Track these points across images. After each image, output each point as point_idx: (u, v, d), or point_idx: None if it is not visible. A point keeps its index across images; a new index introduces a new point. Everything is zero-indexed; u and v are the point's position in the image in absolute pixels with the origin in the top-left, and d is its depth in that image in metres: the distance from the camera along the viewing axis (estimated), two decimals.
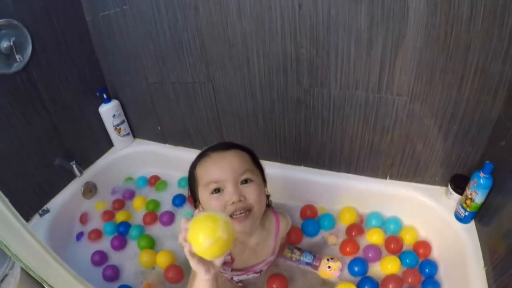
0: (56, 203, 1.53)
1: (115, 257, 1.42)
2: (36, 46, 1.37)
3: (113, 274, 1.33)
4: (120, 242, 1.45)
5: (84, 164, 1.65)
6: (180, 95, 1.52)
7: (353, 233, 1.38)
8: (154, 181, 1.72)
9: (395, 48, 1.08)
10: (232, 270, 0.94)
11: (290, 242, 1.35)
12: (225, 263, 0.87)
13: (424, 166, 1.32)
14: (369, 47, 1.11)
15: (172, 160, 1.68)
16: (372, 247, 1.31)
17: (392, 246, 1.31)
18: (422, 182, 1.36)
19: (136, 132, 1.80)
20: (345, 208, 1.46)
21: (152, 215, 1.54)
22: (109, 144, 1.77)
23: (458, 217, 1.22)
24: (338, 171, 1.47)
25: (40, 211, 1.48)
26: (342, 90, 1.24)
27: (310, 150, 1.45)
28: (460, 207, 1.21)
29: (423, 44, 1.05)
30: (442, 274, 1.21)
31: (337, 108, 1.29)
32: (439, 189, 1.34)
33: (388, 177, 1.40)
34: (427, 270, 1.22)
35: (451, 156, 1.26)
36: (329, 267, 1.22)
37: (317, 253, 1.29)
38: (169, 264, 1.31)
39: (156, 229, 1.51)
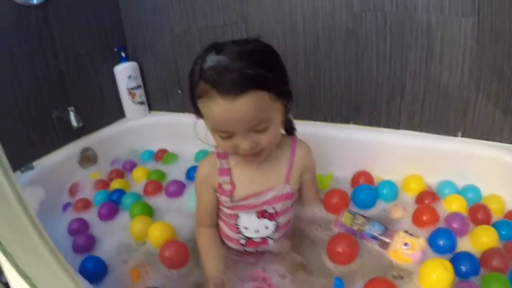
0: (45, 164, 1.27)
1: (98, 228, 1.08)
2: None
3: (85, 244, 0.98)
4: (109, 210, 1.11)
5: (87, 128, 1.41)
6: (207, 43, 1.32)
7: (426, 201, 1.01)
8: (162, 154, 1.43)
9: None
10: (234, 203, 0.81)
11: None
12: (223, 192, 0.80)
13: (505, 116, 1.01)
14: None
15: (190, 132, 1.39)
16: (457, 215, 0.94)
17: (479, 216, 0.95)
18: (502, 140, 1.05)
19: (152, 103, 1.60)
20: (409, 176, 1.11)
21: (156, 184, 1.22)
22: (120, 113, 1.55)
23: None
24: (397, 128, 1.17)
25: (22, 168, 1.21)
26: (399, 12, 1.02)
27: (363, 99, 1.18)
28: None
29: None
30: None
31: (395, 36, 1.06)
32: None
33: (460, 134, 1.10)
34: None
35: None
36: (406, 244, 0.81)
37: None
38: (167, 240, 0.94)
39: (159, 200, 1.17)
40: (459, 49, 1.00)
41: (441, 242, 0.85)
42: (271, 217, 0.83)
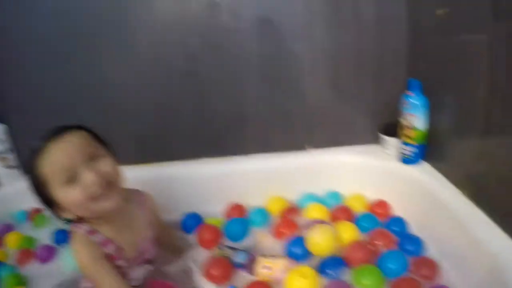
0: None
1: None
2: None
3: None
4: None
5: None
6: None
7: (289, 216, 1.11)
8: (35, 214, 1.31)
9: None
10: (127, 262, 0.83)
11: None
12: (116, 257, 0.79)
13: (348, 125, 1.21)
14: None
15: None
16: (314, 221, 1.04)
17: (340, 217, 1.07)
18: (351, 143, 1.22)
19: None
20: (271, 198, 1.20)
21: (27, 253, 1.12)
22: None
23: (405, 159, 1.07)
24: (246, 153, 1.25)
25: None
26: (233, 46, 1.14)
27: (210, 132, 1.25)
28: (404, 145, 1.06)
29: None
30: (417, 229, 1.01)
31: (231, 67, 1.16)
32: (373, 147, 1.21)
33: (309, 146, 1.24)
34: (395, 228, 1.00)
35: (374, 103, 1.17)
36: (265, 267, 0.91)
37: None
38: None
39: (31, 268, 1.08)
40: (293, 70, 1.15)
41: (296, 250, 0.94)
42: (150, 261, 0.90)
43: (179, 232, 1.12)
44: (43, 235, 1.21)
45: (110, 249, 0.78)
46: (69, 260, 1.01)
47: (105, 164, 0.75)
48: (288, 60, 1.15)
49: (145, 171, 1.20)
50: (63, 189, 0.72)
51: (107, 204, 0.74)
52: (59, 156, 0.71)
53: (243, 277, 0.92)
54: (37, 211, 1.33)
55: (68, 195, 0.72)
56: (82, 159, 0.72)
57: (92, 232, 0.78)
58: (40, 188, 0.74)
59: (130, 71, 1.18)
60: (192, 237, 1.08)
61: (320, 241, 0.92)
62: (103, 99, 1.21)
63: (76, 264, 0.90)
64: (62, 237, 1.17)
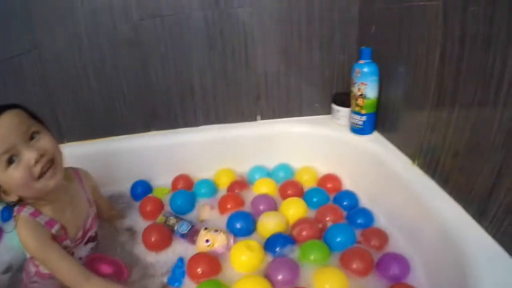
0: None
1: None
2: None
3: None
4: None
5: None
6: (8, 75, 1.15)
7: (236, 190, 1.06)
8: None
9: None
10: (73, 242, 0.82)
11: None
12: (59, 238, 0.77)
13: (299, 95, 1.16)
14: None
15: None
16: (263, 196, 1.00)
17: (289, 192, 1.03)
18: (302, 114, 1.19)
19: None
20: (219, 171, 1.15)
21: None
22: None
23: (356, 129, 1.03)
24: (196, 125, 1.21)
25: None
26: (175, 15, 1.07)
27: (157, 105, 1.19)
28: (354, 114, 1.02)
29: None
30: (368, 200, 0.98)
31: (175, 37, 1.09)
32: (325, 118, 1.17)
33: (260, 117, 1.20)
34: (345, 202, 0.97)
35: (325, 72, 1.12)
36: (207, 240, 0.86)
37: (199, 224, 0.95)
38: None
39: None
40: (240, 38, 1.08)
41: (238, 225, 0.90)
42: (94, 238, 0.89)
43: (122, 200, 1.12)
44: None
45: (55, 230, 0.76)
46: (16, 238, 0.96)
47: (45, 142, 0.74)
48: (234, 26, 1.08)
49: (93, 146, 1.16)
50: (4, 171, 0.69)
51: (51, 182, 0.73)
52: None
53: (184, 247, 0.90)
54: None
55: (11, 177, 0.70)
56: (21, 139, 0.70)
57: (35, 213, 0.75)
58: None
59: (70, 40, 1.09)
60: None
61: (270, 228, 0.89)
62: (42, 71, 1.13)
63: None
64: (7, 215, 1.08)
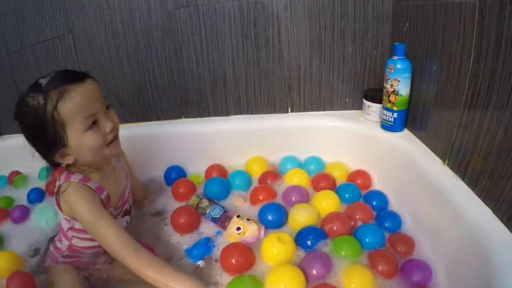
0: None
1: None
2: None
3: None
4: None
5: None
6: (40, 58, 1.23)
7: (268, 181, 1.09)
8: (14, 176, 1.30)
9: None
10: (115, 210, 0.85)
11: None
12: (108, 205, 0.81)
13: (330, 89, 1.17)
14: None
15: None
16: (295, 188, 1.02)
17: (321, 184, 1.04)
18: (333, 108, 1.19)
19: (2, 128, 1.42)
20: (251, 159, 1.18)
21: (3, 212, 1.11)
22: None
23: (386, 126, 1.03)
24: (227, 114, 1.24)
25: None
26: (210, 4, 1.09)
27: (188, 92, 1.22)
28: (385, 111, 1.02)
29: None
30: (395, 201, 0.98)
31: (209, 27, 1.12)
32: (356, 113, 1.17)
33: (290, 109, 1.21)
34: (374, 202, 0.97)
35: (357, 67, 1.12)
36: (238, 228, 0.88)
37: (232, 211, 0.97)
38: (14, 271, 0.85)
39: (6, 228, 1.08)
40: (274, 29, 1.10)
41: (270, 217, 0.92)
42: (129, 212, 0.92)
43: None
44: (22, 196, 1.20)
45: (104, 196, 0.80)
46: (43, 216, 1.05)
47: (114, 115, 0.81)
48: (268, 17, 1.09)
49: (124, 130, 1.18)
50: (82, 134, 0.74)
51: (114, 151, 0.81)
52: (83, 100, 0.73)
53: (212, 231, 0.93)
54: (16, 173, 1.32)
55: (88, 139, 0.75)
56: (101, 107, 0.77)
57: (85, 180, 0.78)
58: (49, 129, 0.72)
59: (104, 25, 1.15)
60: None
61: (301, 221, 0.89)
62: (75, 55, 1.19)
63: (51, 220, 1.01)
64: (36, 196, 1.17)
